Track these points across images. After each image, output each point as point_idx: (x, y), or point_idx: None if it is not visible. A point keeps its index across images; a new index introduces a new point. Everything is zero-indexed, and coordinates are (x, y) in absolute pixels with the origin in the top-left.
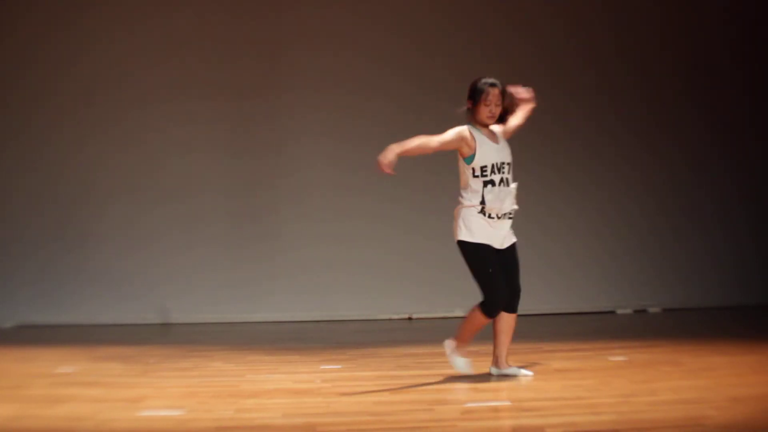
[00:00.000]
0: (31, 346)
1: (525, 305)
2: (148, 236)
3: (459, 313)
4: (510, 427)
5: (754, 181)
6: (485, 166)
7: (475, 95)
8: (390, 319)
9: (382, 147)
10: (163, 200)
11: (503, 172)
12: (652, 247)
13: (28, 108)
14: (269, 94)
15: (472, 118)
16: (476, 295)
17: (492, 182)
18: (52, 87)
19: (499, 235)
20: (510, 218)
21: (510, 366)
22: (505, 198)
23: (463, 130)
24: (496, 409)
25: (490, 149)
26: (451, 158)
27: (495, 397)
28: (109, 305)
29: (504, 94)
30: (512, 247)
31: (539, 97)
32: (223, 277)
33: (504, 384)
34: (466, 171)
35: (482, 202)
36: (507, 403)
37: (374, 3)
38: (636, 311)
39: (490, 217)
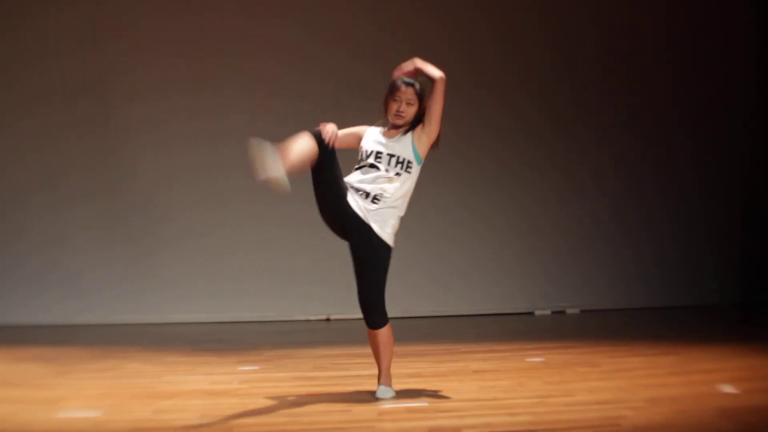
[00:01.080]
0: None
1: (445, 306)
2: (65, 234)
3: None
4: (427, 428)
5: (678, 181)
6: (362, 153)
7: (389, 89)
8: (308, 320)
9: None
10: (81, 198)
11: (376, 159)
12: (571, 247)
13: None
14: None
15: (384, 114)
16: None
17: (362, 167)
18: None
19: (359, 206)
20: (368, 198)
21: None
22: (372, 179)
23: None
24: (412, 410)
25: (376, 138)
26: None
27: (411, 397)
28: (24, 304)
29: (421, 97)
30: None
31: (464, 98)
32: (140, 278)
33: (420, 385)
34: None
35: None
36: (424, 404)
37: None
38: (554, 312)
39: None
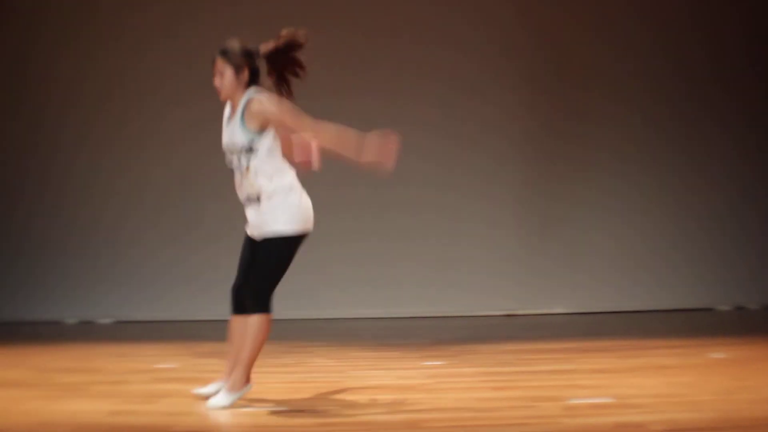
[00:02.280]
0: (129, 342)
1: (626, 302)
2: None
3: (559, 309)
4: (612, 424)
5: None
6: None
7: None
8: (490, 316)
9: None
10: None
11: (233, 155)
12: (753, 242)
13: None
14: None
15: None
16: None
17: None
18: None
19: (251, 223)
20: (255, 203)
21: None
22: (240, 183)
23: None
24: (598, 406)
25: (224, 130)
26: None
27: (597, 393)
28: (208, 301)
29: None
30: (264, 240)
31: (622, 98)
32: (323, 274)
33: (605, 381)
34: None
35: None
36: (609, 400)
37: None
38: (736, 308)
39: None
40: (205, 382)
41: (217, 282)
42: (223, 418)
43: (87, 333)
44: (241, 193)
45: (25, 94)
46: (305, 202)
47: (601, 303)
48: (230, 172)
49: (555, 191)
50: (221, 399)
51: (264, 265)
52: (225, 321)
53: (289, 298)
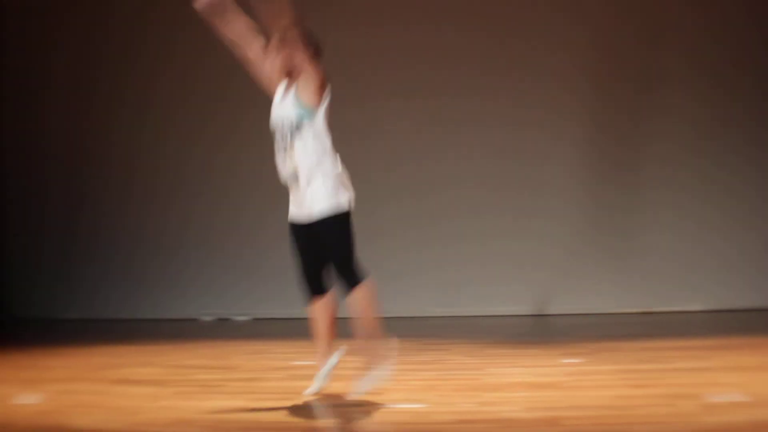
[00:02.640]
0: (265, 340)
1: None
2: (383, 231)
3: (697, 306)
4: (750, 424)
5: None
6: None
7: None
8: (626, 313)
9: None
10: (396, 196)
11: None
12: None
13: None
14: None
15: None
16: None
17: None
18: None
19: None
20: (300, 185)
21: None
22: (283, 160)
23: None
24: (737, 405)
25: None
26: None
27: (734, 391)
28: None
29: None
30: (320, 222)
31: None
32: (463, 272)
33: (743, 378)
34: None
35: None
36: (747, 398)
37: None
38: None
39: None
40: (343, 379)
41: None
42: (365, 415)
43: (223, 330)
44: (282, 172)
45: (154, 98)
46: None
47: (738, 300)
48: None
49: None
50: (374, 376)
51: (340, 243)
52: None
53: (428, 295)
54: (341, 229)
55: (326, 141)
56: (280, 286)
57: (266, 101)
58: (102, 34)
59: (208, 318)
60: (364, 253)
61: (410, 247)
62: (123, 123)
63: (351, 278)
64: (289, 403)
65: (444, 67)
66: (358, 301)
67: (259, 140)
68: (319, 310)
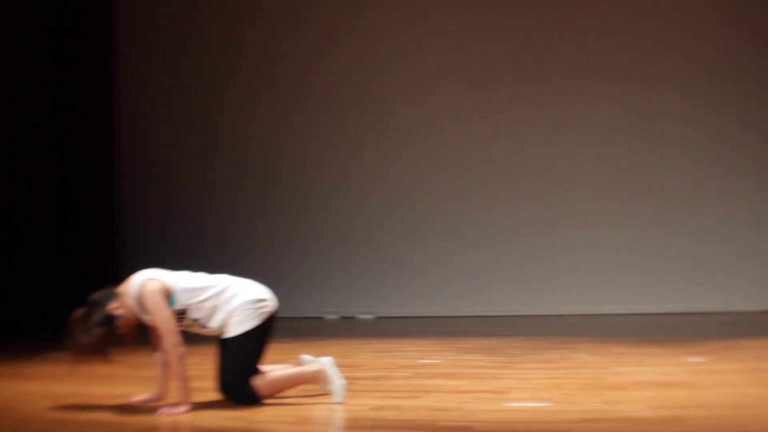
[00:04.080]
0: (390, 338)
1: None
2: (504, 232)
3: None
4: None
5: None
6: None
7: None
8: (751, 312)
9: None
10: (523, 198)
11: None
12: None
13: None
14: None
15: None
16: None
17: None
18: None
19: None
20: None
21: None
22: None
23: None
24: None
25: None
26: None
27: None
28: (468, 298)
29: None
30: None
31: None
32: (591, 272)
33: None
34: None
35: None
36: None
37: None
38: None
39: None
40: (468, 378)
41: (475, 277)
42: (489, 412)
43: (348, 329)
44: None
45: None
46: (248, 295)
47: None
48: (464, 172)
49: None
50: (336, 389)
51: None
52: (486, 317)
53: (554, 295)
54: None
55: (200, 295)
56: (402, 284)
57: (377, 104)
58: (208, 41)
59: (332, 316)
60: (493, 254)
61: (538, 250)
62: (260, 127)
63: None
64: (415, 402)
65: (567, 79)
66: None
67: (374, 140)
68: None
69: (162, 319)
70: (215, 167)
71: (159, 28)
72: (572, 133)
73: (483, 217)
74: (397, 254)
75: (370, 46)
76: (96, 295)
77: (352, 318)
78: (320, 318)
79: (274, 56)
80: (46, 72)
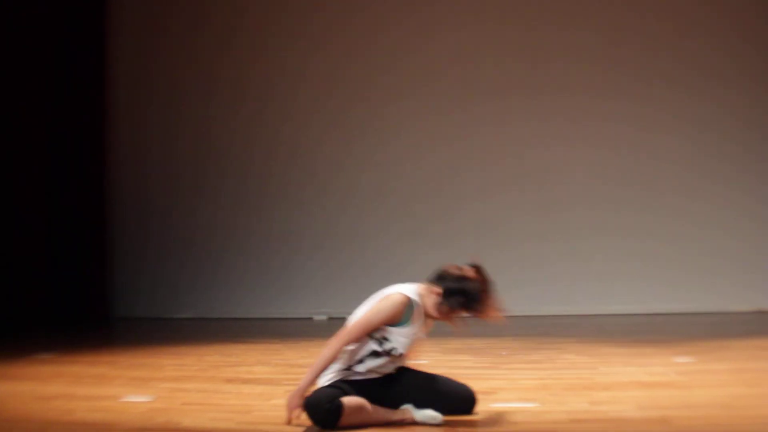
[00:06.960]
0: None
1: None
2: (493, 235)
3: None
4: None
5: None
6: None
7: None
8: (740, 312)
9: None
10: (513, 203)
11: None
12: None
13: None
14: None
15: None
16: None
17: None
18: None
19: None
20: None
21: None
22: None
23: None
24: None
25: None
26: None
27: None
28: None
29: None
30: None
31: None
32: (577, 271)
33: None
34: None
35: None
36: None
37: None
38: None
39: None
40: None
41: None
42: (476, 413)
43: (336, 329)
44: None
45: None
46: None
47: None
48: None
49: None
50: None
51: None
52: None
53: (542, 294)
54: None
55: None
56: (391, 284)
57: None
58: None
59: (321, 317)
60: (482, 256)
61: (526, 252)
62: (242, 122)
63: None
64: None
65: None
66: None
67: (362, 145)
68: None
69: (367, 321)
70: (205, 168)
71: (153, 27)
72: (562, 146)
73: (473, 222)
74: (387, 255)
75: (361, 48)
76: None
77: (342, 319)
78: (309, 319)
79: (270, 58)
80: (39, 72)
